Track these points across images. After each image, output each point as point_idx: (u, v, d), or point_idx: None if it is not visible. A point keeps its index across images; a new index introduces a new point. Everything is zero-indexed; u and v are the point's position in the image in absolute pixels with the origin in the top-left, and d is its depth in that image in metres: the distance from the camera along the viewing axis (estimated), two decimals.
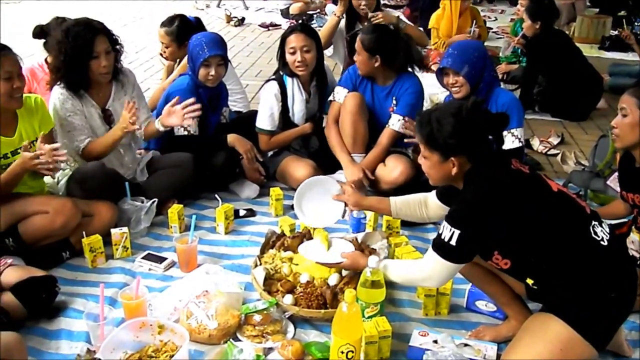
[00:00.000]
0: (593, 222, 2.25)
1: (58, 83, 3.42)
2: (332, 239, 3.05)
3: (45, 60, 4.12)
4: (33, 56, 5.35)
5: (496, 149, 2.36)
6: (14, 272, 2.75)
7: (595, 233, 2.22)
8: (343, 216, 3.17)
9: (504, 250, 2.27)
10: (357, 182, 3.69)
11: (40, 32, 4.00)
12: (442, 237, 2.23)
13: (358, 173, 3.74)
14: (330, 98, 4.04)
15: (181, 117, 3.48)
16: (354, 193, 3.01)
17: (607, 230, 2.29)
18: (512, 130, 3.44)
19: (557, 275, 2.22)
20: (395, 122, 3.79)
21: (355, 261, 2.67)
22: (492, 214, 2.18)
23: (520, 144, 3.48)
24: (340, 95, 3.95)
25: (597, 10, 10.03)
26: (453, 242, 2.19)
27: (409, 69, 3.90)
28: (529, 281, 2.30)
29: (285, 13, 9.96)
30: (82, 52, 3.32)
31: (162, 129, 3.57)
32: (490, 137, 2.32)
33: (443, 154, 2.29)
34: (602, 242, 2.21)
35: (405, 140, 3.71)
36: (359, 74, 3.92)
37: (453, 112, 2.26)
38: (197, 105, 3.50)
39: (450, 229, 2.20)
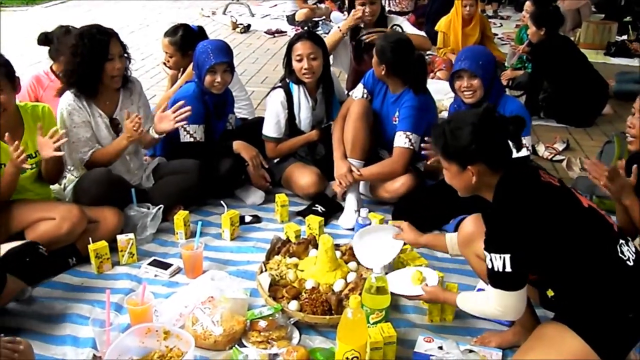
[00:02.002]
0: (620, 241, 2.23)
1: (69, 89, 3.44)
2: (423, 272, 2.84)
3: (51, 67, 4.15)
4: (40, 63, 5.40)
5: (521, 158, 2.31)
6: None
7: (622, 252, 2.20)
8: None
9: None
10: (340, 176, 3.74)
11: (44, 39, 4.04)
12: (495, 269, 2.16)
13: (344, 168, 3.76)
14: (350, 93, 4.05)
15: (172, 122, 3.51)
16: (411, 231, 2.98)
17: (633, 249, 2.27)
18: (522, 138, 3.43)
19: (580, 290, 2.21)
20: (399, 139, 3.74)
21: (434, 296, 2.60)
22: (527, 229, 2.15)
23: (529, 153, 3.48)
24: (358, 92, 3.98)
25: (603, 16, 10.04)
26: (508, 269, 2.13)
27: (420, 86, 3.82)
28: (550, 293, 2.28)
29: (290, 20, 9.98)
30: (98, 54, 3.35)
31: (156, 136, 3.59)
32: (508, 142, 2.28)
33: (460, 164, 2.27)
34: (627, 262, 2.20)
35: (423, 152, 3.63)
36: None
37: (467, 121, 2.24)
38: (187, 108, 3.51)
39: (500, 257, 2.14)
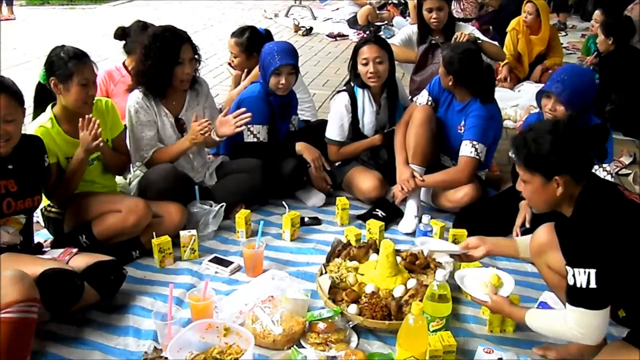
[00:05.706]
0: None
1: (138, 88, 3.51)
2: (502, 277, 2.75)
3: (123, 63, 4.24)
4: (107, 60, 5.54)
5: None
6: (81, 258, 2.82)
7: None
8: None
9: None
10: (403, 181, 3.72)
11: (122, 33, 4.13)
12: (578, 285, 2.06)
13: (406, 174, 3.74)
14: (414, 99, 4.05)
15: (233, 127, 3.53)
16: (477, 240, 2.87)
17: None
18: (604, 165, 3.28)
19: None
20: (465, 148, 3.68)
21: (500, 306, 2.52)
22: (607, 245, 2.07)
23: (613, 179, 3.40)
24: (422, 99, 3.94)
25: None
26: (593, 285, 2.04)
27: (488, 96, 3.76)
28: (621, 313, 2.20)
29: (352, 23, 9.98)
30: (169, 58, 3.41)
31: (217, 138, 3.60)
32: (591, 152, 2.21)
33: (545, 175, 2.19)
34: None
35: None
36: None
37: (549, 130, 2.18)
38: (248, 115, 3.55)
39: (585, 272, 2.05)
